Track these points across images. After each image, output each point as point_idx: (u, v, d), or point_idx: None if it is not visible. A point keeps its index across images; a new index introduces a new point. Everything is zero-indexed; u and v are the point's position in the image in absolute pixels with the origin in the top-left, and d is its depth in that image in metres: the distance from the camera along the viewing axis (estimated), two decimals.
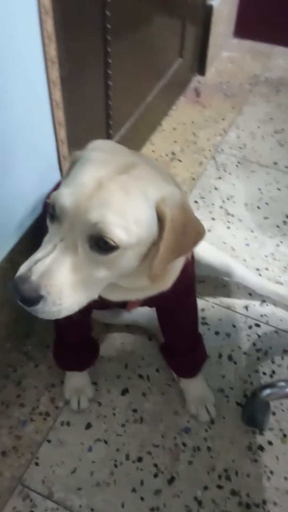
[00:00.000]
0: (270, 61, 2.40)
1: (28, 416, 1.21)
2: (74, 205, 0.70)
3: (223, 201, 1.73)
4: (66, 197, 0.71)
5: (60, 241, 0.72)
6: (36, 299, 0.71)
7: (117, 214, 0.69)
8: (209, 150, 1.92)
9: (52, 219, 0.74)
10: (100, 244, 0.70)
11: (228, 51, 2.43)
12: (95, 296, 0.78)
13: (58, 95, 1.14)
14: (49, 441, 1.17)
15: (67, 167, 0.81)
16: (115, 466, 1.13)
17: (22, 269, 0.72)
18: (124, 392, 1.25)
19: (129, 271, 0.78)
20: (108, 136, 1.54)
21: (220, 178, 1.81)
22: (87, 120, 1.39)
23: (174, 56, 1.91)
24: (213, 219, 1.67)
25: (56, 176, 1.28)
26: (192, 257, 1.04)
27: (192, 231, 0.79)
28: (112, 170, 0.72)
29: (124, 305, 1.02)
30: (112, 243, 0.70)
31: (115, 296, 0.92)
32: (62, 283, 0.71)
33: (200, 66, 2.23)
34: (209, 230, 1.63)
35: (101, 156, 0.76)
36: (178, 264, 0.93)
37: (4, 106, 0.97)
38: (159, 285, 0.91)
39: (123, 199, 0.70)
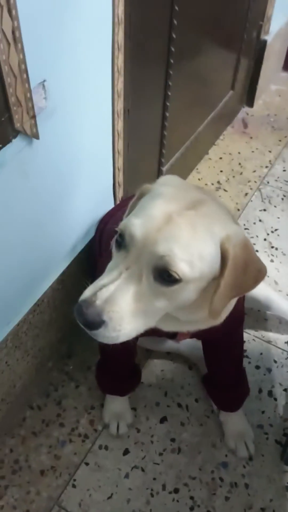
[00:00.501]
0: None
1: (67, 436, 1.22)
2: (143, 235, 0.72)
3: (268, 234, 1.73)
4: (137, 227, 0.73)
5: (125, 270, 0.74)
6: (98, 323, 0.73)
7: (183, 248, 0.72)
8: (255, 182, 1.93)
9: (120, 246, 0.76)
10: (164, 276, 0.72)
11: (276, 85, 2.45)
12: (152, 324, 0.80)
13: (120, 125, 1.17)
14: (87, 464, 1.18)
15: (135, 198, 0.84)
16: (151, 495, 1.13)
17: (87, 293, 0.75)
18: (163, 420, 1.25)
19: (187, 304, 0.80)
20: (160, 164, 1.57)
21: (265, 210, 1.82)
22: (142, 149, 1.42)
23: (226, 89, 1.94)
24: (257, 251, 1.67)
25: (110, 202, 1.31)
26: None
27: (253, 270, 0.80)
28: (181, 206, 0.74)
29: (174, 336, 1.04)
30: (176, 276, 0.72)
31: (168, 327, 0.94)
32: (124, 310, 0.74)
33: (249, 98, 2.26)
34: None
35: (171, 191, 0.79)
36: (233, 301, 0.94)
37: (75, 135, 1.02)
38: (213, 320, 0.92)
39: (190, 234, 0.72)
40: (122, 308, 0.73)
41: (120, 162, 1.25)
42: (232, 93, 1.99)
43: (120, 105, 1.13)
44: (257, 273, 0.81)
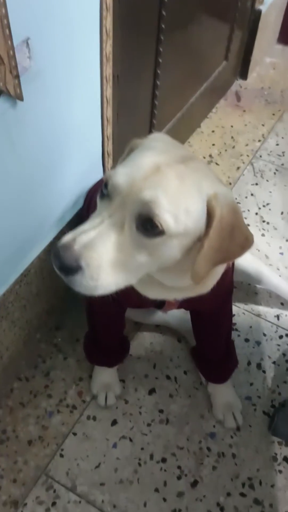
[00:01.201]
0: None
1: (55, 407, 1.22)
2: (128, 183, 0.71)
3: (259, 208, 1.72)
4: (121, 176, 0.71)
5: (108, 217, 0.72)
6: (74, 268, 0.70)
7: (169, 199, 0.69)
8: (247, 156, 1.91)
9: (102, 196, 0.75)
10: (147, 226, 0.70)
11: (271, 57, 2.40)
12: (132, 281, 0.77)
13: (109, 92, 1.14)
14: (74, 434, 1.18)
15: (125, 152, 0.82)
16: (139, 464, 1.14)
17: (66, 237, 0.72)
18: (151, 392, 1.25)
19: (169, 263, 0.77)
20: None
21: (257, 184, 1.80)
22: (132, 119, 1.39)
23: (219, 59, 1.90)
24: (248, 225, 1.65)
25: (99, 172, 1.28)
26: (232, 263, 1.03)
27: (240, 236, 0.77)
28: (171, 159, 0.73)
29: (161, 306, 1.02)
30: (159, 227, 0.69)
31: (154, 294, 0.92)
32: (103, 259, 0.71)
33: (243, 70, 2.22)
34: None
35: (161, 145, 0.77)
36: (220, 269, 0.92)
37: (62, 100, 0.98)
38: (200, 287, 0.90)
39: (177, 186, 0.70)
40: (101, 255, 0.71)
41: (109, 131, 1.22)
42: (225, 64, 1.95)
43: (109, 70, 1.10)
44: (244, 240, 0.79)
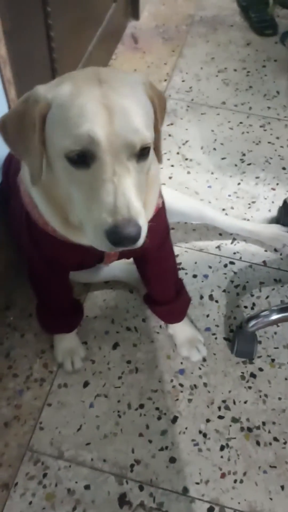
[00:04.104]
0: (202, 0, 2.36)
1: (23, 385, 1.21)
2: (105, 134, 0.69)
3: (179, 147, 1.72)
4: (96, 132, 0.69)
5: (113, 175, 0.70)
6: (139, 233, 0.71)
7: (140, 120, 0.71)
8: None
9: (77, 166, 0.71)
10: (142, 153, 0.73)
11: None
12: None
13: (3, 50, 1.07)
14: (49, 405, 1.17)
15: (36, 116, 0.74)
16: (119, 416, 1.16)
17: (117, 218, 0.69)
18: (115, 346, 1.27)
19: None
20: None
21: (172, 124, 1.80)
22: (34, 77, 1.32)
23: (108, 1, 1.83)
24: (172, 166, 1.67)
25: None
26: (163, 202, 1.04)
27: (164, 101, 0.85)
28: (95, 90, 0.71)
29: (101, 260, 1.02)
30: (148, 145, 0.73)
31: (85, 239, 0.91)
32: (140, 206, 0.72)
33: (133, 10, 2.16)
34: (170, 177, 1.63)
35: (71, 87, 0.72)
36: (153, 198, 0.93)
37: None
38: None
39: (131, 105, 0.71)
40: (138, 205, 0.72)
41: (12, 93, 1.15)
42: (115, 6, 1.88)
43: None
44: (165, 101, 0.85)
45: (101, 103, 0.70)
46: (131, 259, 1.19)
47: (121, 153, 0.70)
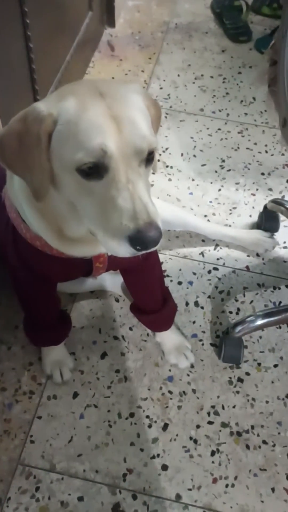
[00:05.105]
0: (177, 7, 2.38)
1: (12, 398, 1.20)
2: (116, 144, 0.71)
3: (160, 154, 1.74)
4: (108, 144, 0.71)
5: (127, 182, 0.72)
6: (161, 235, 0.73)
7: (145, 127, 0.74)
8: None
9: (89, 177, 0.73)
10: (149, 158, 0.76)
11: (133, 0, 2.37)
12: None
13: None
14: (39, 418, 1.17)
15: (41, 134, 0.73)
16: (110, 426, 1.17)
17: (138, 223, 0.71)
18: (103, 355, 1.27)
19: None
20: (36, 101, 1.47)
21: None
22: (14, 88, 1.32)
23: (84, 10, 1.84)
24: (153, 173, 1.67)
25: None
26: None
27: (158, 109, 0.86)
28: (100, 103, 0.73)
29: (89, 273, 1.02)
30: (154, 150, 0.76)
31: (80, 250, 0.92)
32: (156, 209, 0.74)
33: (109, 18, 2.17)
34: (152, 185, 1.64)
35: (75, 102, 0.73)
36: None
37: None
38: None
39: (135, 113, 0.74)
40: (154, 207, 0.74)
41: None
42: (91, 14, 1.89)
43: None
44: (160, 110, 0.87)
45: (108, 115, 0.72)
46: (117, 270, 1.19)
47: (132, 160, 0.72)
